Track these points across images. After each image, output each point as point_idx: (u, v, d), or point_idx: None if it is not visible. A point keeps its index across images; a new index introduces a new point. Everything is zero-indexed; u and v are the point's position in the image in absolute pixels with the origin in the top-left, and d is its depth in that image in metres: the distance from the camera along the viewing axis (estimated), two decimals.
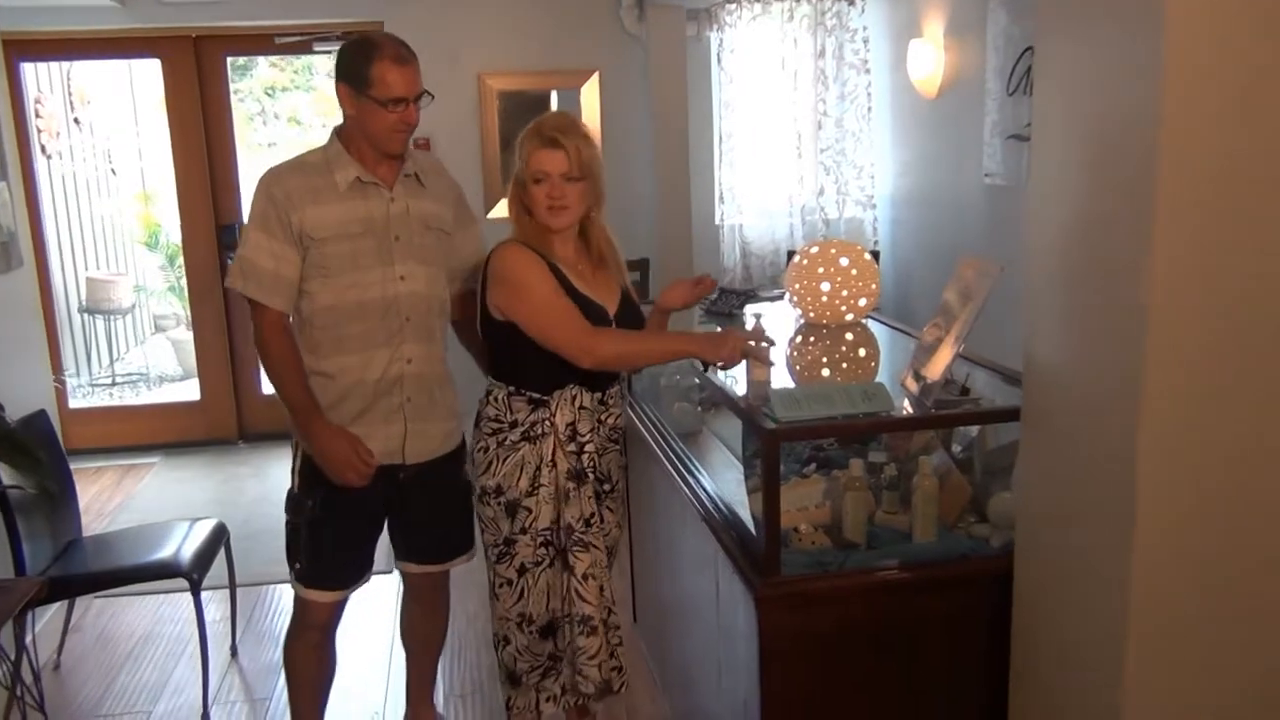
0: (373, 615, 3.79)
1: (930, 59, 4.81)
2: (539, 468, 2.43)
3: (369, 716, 3.23)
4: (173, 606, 3.96)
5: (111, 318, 7.50)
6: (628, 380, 2.64)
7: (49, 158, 6.53)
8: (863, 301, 2.96)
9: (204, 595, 3.26)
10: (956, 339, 2.21)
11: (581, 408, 2.43)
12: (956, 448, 2.46)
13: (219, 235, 5.76)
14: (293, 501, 2.60)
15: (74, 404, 6.09)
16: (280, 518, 2.64)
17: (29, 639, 3.10)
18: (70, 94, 7.35)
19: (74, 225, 7.27)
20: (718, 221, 5.65)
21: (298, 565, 2.61)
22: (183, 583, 3.23)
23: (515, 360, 2.45)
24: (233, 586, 3.63)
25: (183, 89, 5.63)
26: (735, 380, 2.47)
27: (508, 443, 2.44)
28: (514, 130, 2.48)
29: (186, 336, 7.40)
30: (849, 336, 2.97)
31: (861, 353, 2.94)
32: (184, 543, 3.34)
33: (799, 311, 3.02)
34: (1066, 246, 1.75)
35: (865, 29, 5.43)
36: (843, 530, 2.20)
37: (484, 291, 2.44)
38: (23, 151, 5.46)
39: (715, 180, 5.60)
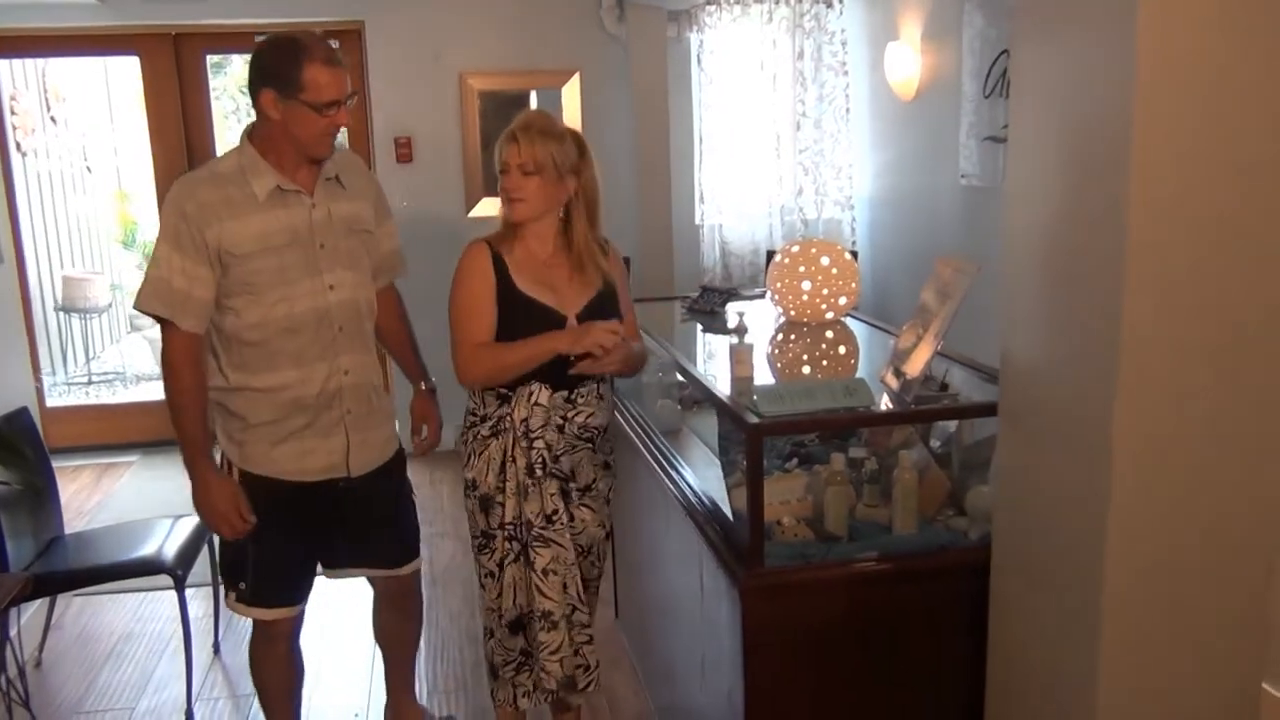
0: (354, 613, 3.80)
1: (907, 61, 4.87)
2: (504, 463, 2.47)
3: (351, 716, 3.24)
4: (153, 605, 3.96)
5: (87, 316, 7.46)
6: (610, 380, 2.65)
7: (24, 155, 6.50)
8: (843, 300, 3.01)
9: (186, 593, 3.26)
10: (935, 336, 2.26)
11: (536, 404, 2.45)
12: (935, 443, 2.51)
13: None
14: None
15: (51, 402, 6.06)
16: None
17: (12, 635, 3.10)
18: (46, 91, 7.31)
19: (49, 223, 7.23)
20: (698, 221, 5.69)
21: (242, 586, 2.52)
22: (163, 581, 3.24)
23: None
24: (215, 584, 3.63)
25: (162, 86, 5.62)
26: (716, 378, 2.51)
27: (480, 437, 2.50)
28: (495, 130, 2.49)
29: None
30: (829, 334, 3.02)
31: (842, 350, 2.98)
32: (167, 540, 3.35)
33: (780, 310, 3.07)
34: (1042, 246, 1.80)
35: (843, 31, 5.49)
36: (824, 523, 2.24)
37: None
38: None
39: (695, 180, 5.64)
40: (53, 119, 7.39)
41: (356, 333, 2.48)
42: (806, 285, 2.97)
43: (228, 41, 5.79)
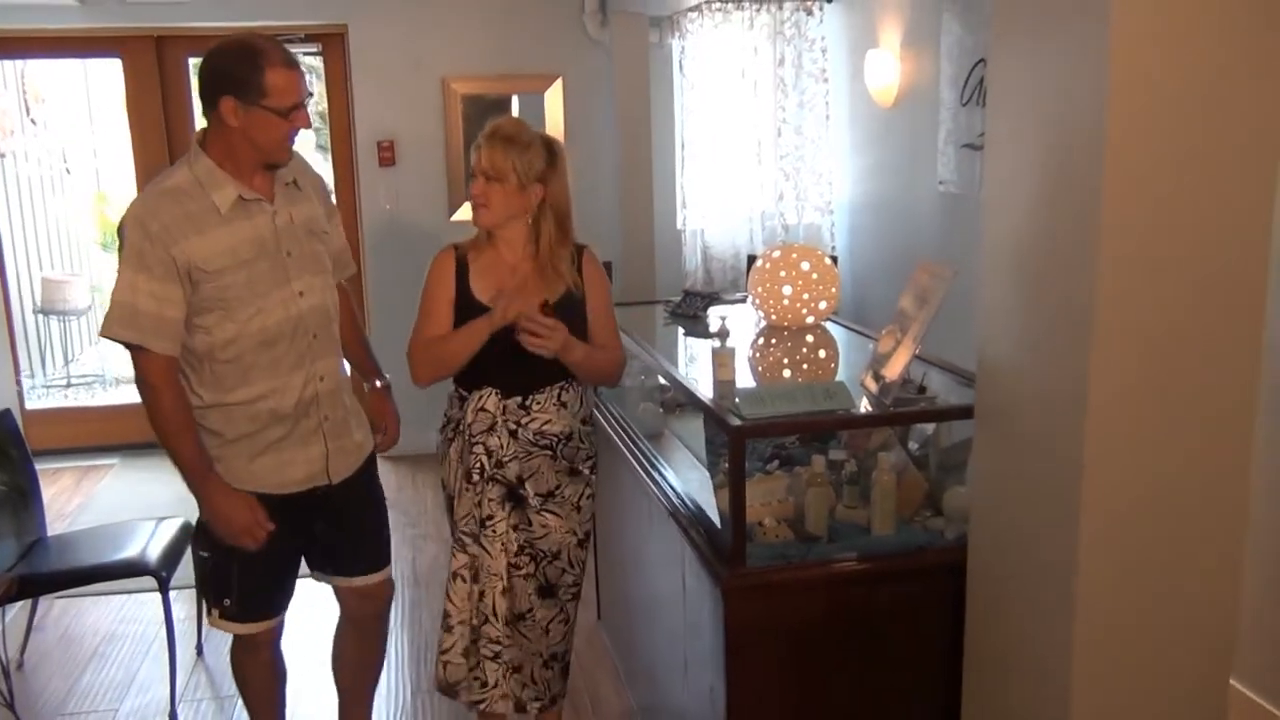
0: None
1: (887, 69, 4.92)
2: (458, 463, 2.55)
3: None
4: (136, 607, 3.96)
5: (66, 319, 7.42)
6: (583, 389, 2.65)
7: (2, 157, 6.47)
8: (823, 305, 3.05)
9: (170, 594, 3.27)
10: (913, 340, 2.30)
11: (482, 409, 2.49)
12: (913, 445, 2.55)
13: None
14: (209, 535, 2.42)
15: (30, 405, 6.04)
16: None
17: None
18: (25, 92, 7.27)
19: (28, 225, 7.19)
20: (680, 226, 5.73)
21: (226, 603, 2.46)
22: (145, 583, 3.25)
23: None
24: (198, 587, 3.63)
25: (144, 88, 5.61)
26: (698, 381, 2.55)
27: (446, 439, 2.59)
28: (477, 134, 2.50)
29: None
30: (810, 338, 3.06)
31: (822, 354, 3.02)
32: (150, 541, 3.36)
33: (761, 314, 3.10)
34: (1017, 252, 1.84)
35: (823, 39, 5.54)
36: (805, 524, 2.29)
37: None
38: None
39: (677, 185, 5.68)
40: (32, 120, 7.35)
41: (328, 337, 2.45)
42: (787, 290, 3.02)
43: (210, 45, 5.77)
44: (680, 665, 2.56)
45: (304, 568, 2.65)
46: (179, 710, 3.26)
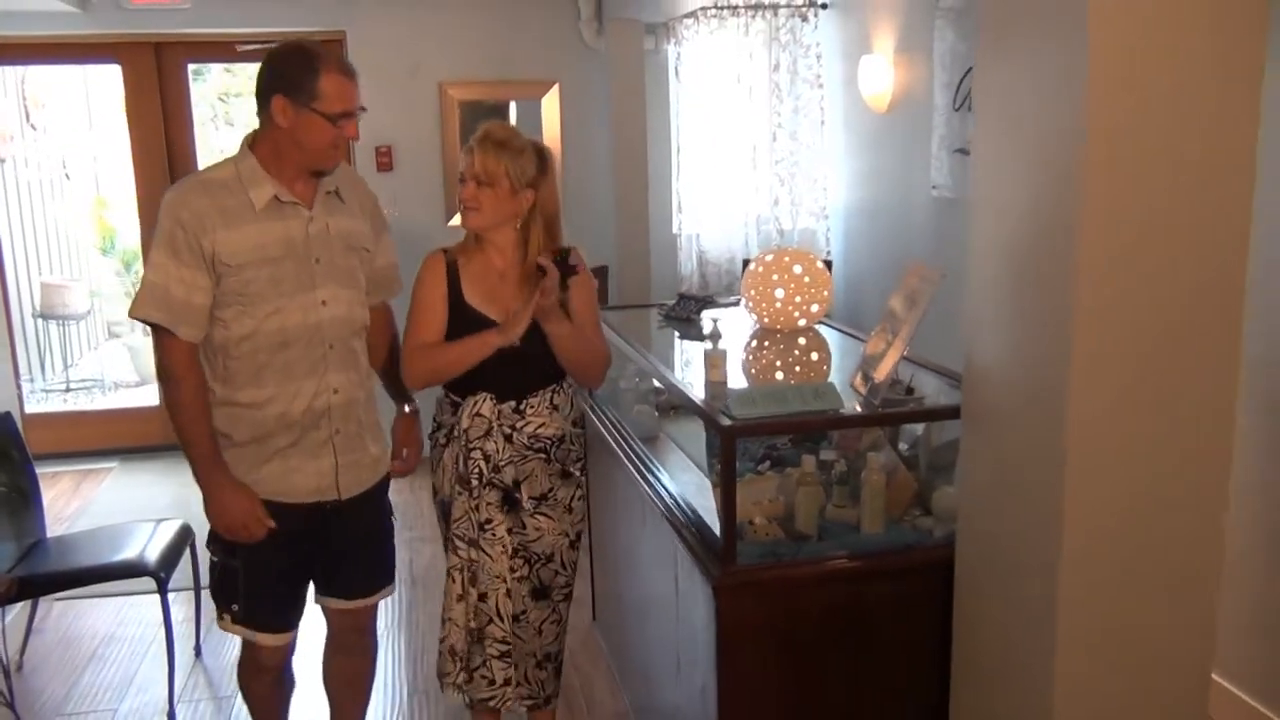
0: None
1: (881, 75, 4.95)
2: (452, 469, 2.55)
3: None
4: (135, 609, 3.98)
5: (66, 323, 7.45)
6: (573, 391, 2.68)
7: (2, 162, 6.50)
8: (815, 308, 3.09)
9: (169, 596, 3.29)
10: (902, 342, 2.33)
11: (477, 414, 2.51)
12: (903, 445, 2.59)
13: None
14: (218, 538, 2.42)
15: (29, 409, 6.06)
16: None
17: None
18: (25, 98, 7.31)
19: (28, 230, 7.22)
20: (675, 230, 5.76)
21: (234, 608, 2.44)
22: (145, 584, 3.27)
23: None
24: (197, 587, 3.67)
25: (144, 94, 5.65)
26: (692, 384, 2.58)
27: (438, 444, 2.59)
28: None
29: (142, 343, 7.37)
30: (802, 341, 3.09)
31: (814, 356, 3.06)
32: (149, 543, 3.38)
33: (754, 317, 3.14)
34: (1002, 255, 1.87)
35: (818, 45, 5.57)
36: (796, 523, 2.32)
37: None
38: None
39: (673, 190, 5.71)
40: (32, 126, 7.38)
41: (347, 350, 2.43)
42: (780, 293, 3.05)
43: (209, 51, 5.82)
44: (673, 665, 2.59)
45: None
46: (177, 710, 3.28)
